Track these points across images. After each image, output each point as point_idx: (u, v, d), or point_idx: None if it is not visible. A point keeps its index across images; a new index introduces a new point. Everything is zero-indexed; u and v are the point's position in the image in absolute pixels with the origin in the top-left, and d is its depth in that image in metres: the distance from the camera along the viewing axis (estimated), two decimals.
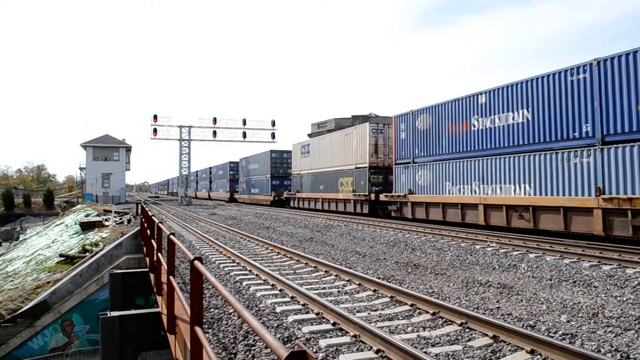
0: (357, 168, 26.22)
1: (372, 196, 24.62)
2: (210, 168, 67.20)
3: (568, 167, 14.30)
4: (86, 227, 28.70)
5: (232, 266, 10.08)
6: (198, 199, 70.04)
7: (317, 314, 6.08)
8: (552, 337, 5.02)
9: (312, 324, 5.68)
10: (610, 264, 9.67)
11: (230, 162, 55.61)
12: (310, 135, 61.93)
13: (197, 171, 76.60)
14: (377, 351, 4.70)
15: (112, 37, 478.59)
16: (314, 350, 4.83)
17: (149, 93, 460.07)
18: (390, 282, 7.98)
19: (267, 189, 41.93)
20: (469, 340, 5.10)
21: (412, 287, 7.69)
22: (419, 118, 21.47)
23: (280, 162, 41.84)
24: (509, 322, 5.50)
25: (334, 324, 5.61)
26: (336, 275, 8.77)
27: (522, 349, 4.72)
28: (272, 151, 42.50)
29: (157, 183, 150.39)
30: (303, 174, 35.05)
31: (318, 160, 32.06)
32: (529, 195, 15.56)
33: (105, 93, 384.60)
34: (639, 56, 12.59)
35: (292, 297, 7.02)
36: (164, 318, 7.11)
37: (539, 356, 4.57)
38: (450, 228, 17.06)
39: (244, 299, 7.01)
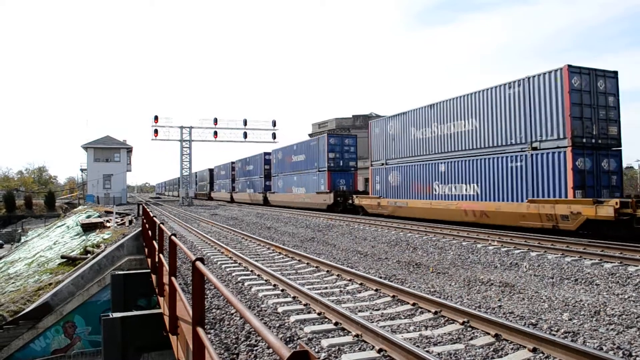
0: None
1: None
2: (267, 155, 43.42)
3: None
4: (87, 228, 28.73)
5: (233, 267, 10.09)
6: (236, 204, 48.19)
7: (319, 313, 6.08)
8: (554, 335, 5.03)
9: (314, 324, 5.68)
10: (612, 262, 9.66)
11: (330, 136, 30.93)
12: (311, 136, 61.83)
13: (231, 163, 55.34)
14: (380, 350, 4.70)
15: (112, 37, 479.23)
16: (316, 350, 4.83)
17: (150, 94, 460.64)
18: (392, 281, 7.98)
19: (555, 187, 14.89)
20: (471, 339, 5.10)
21: (414, 287, 7.69)
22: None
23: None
24: (510, 321, 5.50)
25: (336, 323, 5.61)
26: (338, 275, 8.77)
27: (524, 347, 4.72)
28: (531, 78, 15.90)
29: (163, 182, 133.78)
30: None
31: None
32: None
33: (106, 94, 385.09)
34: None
35: (294, 297, 7.02)
36: (166, 319, 7.12)
37: (541, 354, 4.57)
38: (451, 227, 17.07)
39: (246, 300, 7.02)
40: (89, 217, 34.49)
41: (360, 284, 7.94)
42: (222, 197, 59.64)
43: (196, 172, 76.46)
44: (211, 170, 69.45)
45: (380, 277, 8.32)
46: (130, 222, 27.66)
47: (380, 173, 24.74)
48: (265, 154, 43.70)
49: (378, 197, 24.48)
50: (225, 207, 41.98)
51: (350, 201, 28.14)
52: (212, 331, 5.53)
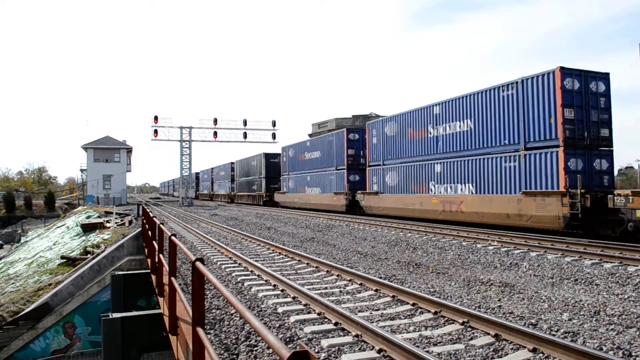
0: None
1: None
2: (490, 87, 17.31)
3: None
4: (87, 228, 28.72)
5: (233, 267, 10.09)
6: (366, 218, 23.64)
7: (319, 314, 6.08)
8: (554, 335, 5.03)
9: (314, 324, 5.68)
10: (611, 262, 9.66)
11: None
12: (311, 136, 61.66)
13: (347, 130, 28.34)
14: (379, 351, 4.70)
15: (112, 38, 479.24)
16: (316, 350, 4.83)
17: (150, 94, 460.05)
18: (391, 281, 7.98)
19: None
20: (471, 339, 5.10)
21: (414, 287, 7.69)
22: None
23: None
24: (510, 321, 5.50)
25: (335, 323, 5.61)
26: (338, 275, 8.77)
27: (524, 347, 4.72)
28: None
29: (172, 181, 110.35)
30: None
31: None
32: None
33: (106, 94, 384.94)
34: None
35: (293, 298, 7.02)
36: (166, 319, 7.12)
37: (541, 354, 4.57)
38: (451, 227, 17.08)
39: (246, 300, 7.02)
40: (88, 217, 34.49)
41: (360, 284, 7.94)
42: (316, 203, 31.80)
43: (232, 163, 56.31)
44: (270, 157, 43.02)
45: (380, 277, 8.32)
46: (130, 222, 27.67)
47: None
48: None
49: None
50: (224, 207, 41.98)
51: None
52: (212, 331, 5.53)
